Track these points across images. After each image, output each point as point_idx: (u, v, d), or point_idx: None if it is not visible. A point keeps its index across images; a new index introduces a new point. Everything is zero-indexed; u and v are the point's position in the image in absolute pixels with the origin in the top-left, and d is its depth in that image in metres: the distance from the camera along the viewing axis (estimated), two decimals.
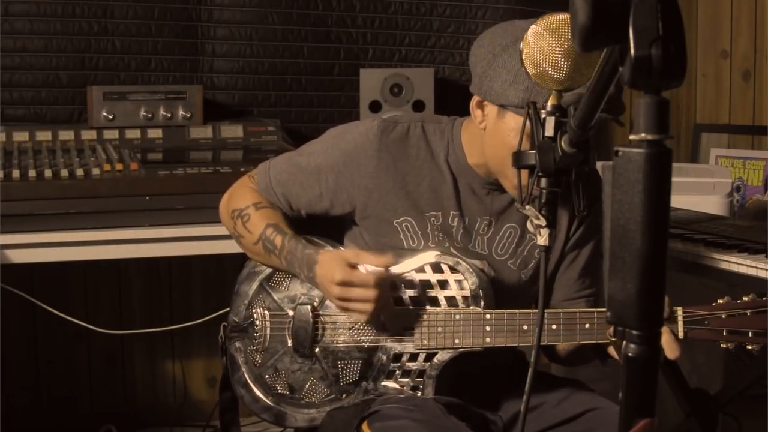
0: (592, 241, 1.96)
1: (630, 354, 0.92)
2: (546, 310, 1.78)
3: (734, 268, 2.06)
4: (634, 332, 0.91)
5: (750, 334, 1.73)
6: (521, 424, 1.54)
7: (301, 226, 1.96)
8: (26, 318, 3.05)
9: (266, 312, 1.93)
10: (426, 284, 1.85)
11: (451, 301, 1.84)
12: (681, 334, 1.74)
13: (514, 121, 1.73)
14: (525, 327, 1.80)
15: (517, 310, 1.80)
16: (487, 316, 1.81)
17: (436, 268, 1.85)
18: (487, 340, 1.81)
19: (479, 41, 1.80)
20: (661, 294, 0.91)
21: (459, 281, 1.84)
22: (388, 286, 1.82)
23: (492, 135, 1.79)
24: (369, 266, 1.79)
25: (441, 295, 1.84)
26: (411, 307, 1.85)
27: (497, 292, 1.86)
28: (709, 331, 1.75)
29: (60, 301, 2.77)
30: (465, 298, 1.83)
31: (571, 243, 1.94)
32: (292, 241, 1.88)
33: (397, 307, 1.85)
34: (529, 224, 1.55)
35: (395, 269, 1.86)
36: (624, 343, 0.93)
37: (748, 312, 1.74)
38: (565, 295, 1.95)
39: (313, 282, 1.86)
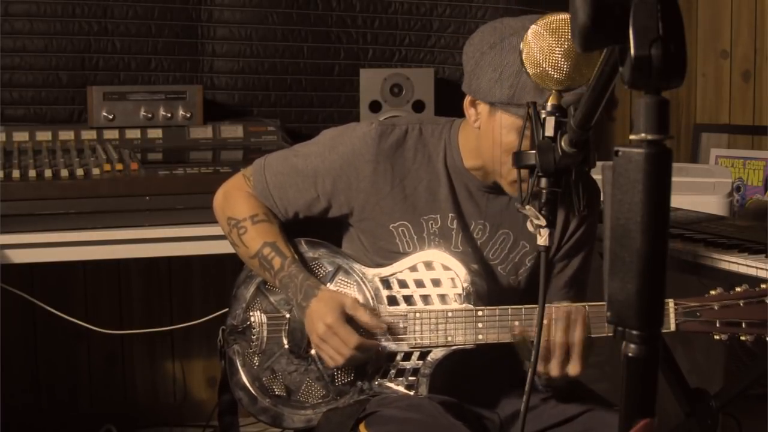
0: (582, 252, 1.95)
1: (630, 354, 0.92)
2: (536, 306, 1.76)
3: (734, 268, 2.05)
4: (634, 332, 0.92)
5: (743, 325, 1.72)
6: (521, 423, 1.54)
7: (300, 226, 1.96)
8: (26, 318, 3.06)
9: (263, 315, 1.93)
10: (419, 282, 1.85)
11: (443, 299, 1.84)
12: (673, 326, 1.73)
13: (504, 119, 1.73)
14: (517, 323, 1.79)
15: (509, 307, 1.80)
16: (479, 313, 1.80)
17: (429, 266, 1.85)
18: (480, 337, 1.80)
19: (470, 40, 1.81)
20: (661, 294, 0.91)
21: (452, 279, 1.84)
22: (365, 352, 1.81)
23: (485, 134, 1.79)
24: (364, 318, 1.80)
25: (434, 292, 1.85)
26: (404, 306, 1.85)
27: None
28: (701, 322, 1.73)
29: (60, 301, 2.77)
30: (458, 295, 1.83)
31: (563, 252, 1.94)
32: (292, 266, 1.87)
33: (389, 307, 1.85)
34: (529, 224, 1.55)
35: (388, 269, 1.87)
36: (624, 343, 0.93)
37: (741, 303, 1.72)
38: (548, 302, 1.94)
39: (302, 311, 1.85)
